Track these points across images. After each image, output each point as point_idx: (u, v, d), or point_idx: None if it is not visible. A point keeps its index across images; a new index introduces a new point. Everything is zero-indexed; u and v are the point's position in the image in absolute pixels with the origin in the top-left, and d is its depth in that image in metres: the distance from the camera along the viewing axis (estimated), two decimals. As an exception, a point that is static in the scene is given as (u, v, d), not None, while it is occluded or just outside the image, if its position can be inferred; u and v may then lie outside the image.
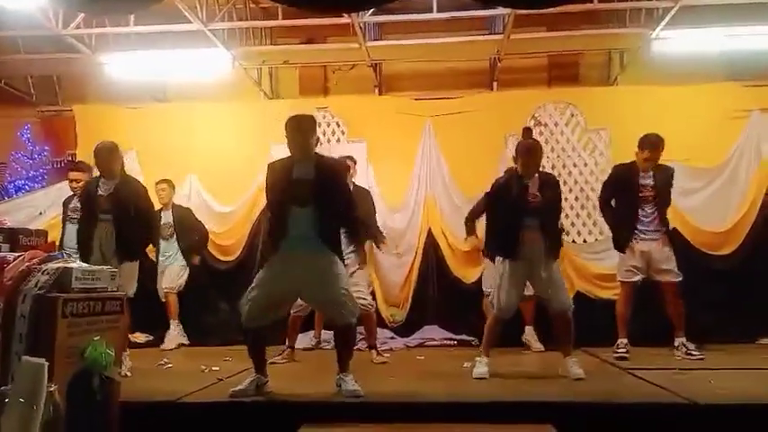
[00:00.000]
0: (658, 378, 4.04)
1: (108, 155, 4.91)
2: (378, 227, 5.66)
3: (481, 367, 4.32)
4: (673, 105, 6.70)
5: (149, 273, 6.01)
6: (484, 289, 6.12)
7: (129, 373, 4.24)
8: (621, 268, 5.35)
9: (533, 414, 3.11)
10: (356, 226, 4.39)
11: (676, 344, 5.09)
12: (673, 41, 6.63)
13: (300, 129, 3.80)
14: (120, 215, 4.78)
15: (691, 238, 6.44)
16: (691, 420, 3.24)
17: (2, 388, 1.19)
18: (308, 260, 3.68)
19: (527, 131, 4.81)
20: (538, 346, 5.90)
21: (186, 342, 6.41)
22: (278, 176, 3.81)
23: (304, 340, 5.93)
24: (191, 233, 6.54)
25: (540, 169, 4.64)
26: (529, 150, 4.46)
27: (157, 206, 6.15)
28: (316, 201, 3.68)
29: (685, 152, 6.57)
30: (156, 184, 6.50)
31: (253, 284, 3.78)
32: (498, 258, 4.48)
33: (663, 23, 6.32)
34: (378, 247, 5.69)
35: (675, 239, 6.37)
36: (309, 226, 3.68)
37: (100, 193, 4.87)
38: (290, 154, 3.85)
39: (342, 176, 4.18)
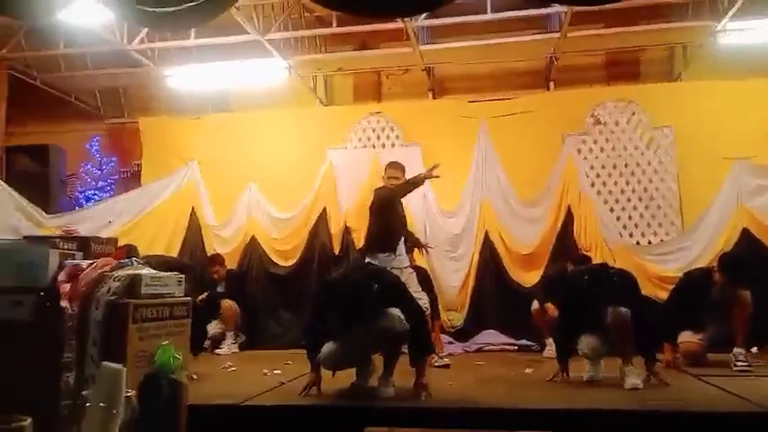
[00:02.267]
0: (730, 385, 3.87)
1: None
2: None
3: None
4: (740, 100, 6.42)
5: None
6: None
7: (194, 376, 4.35)
8: None
9: (601, 423, 3.03)
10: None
11: (734, 352, 4.71)
12: (739, 34, 6.35)
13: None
14: None
15: (762, 236, 6.15)
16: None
17: (83, 392, 1.24)
18: None
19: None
20: None
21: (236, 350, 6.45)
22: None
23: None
24: None
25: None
26: None
27: None
28: None
29: (753, 149, 6.32)
30: (210, 267, 6.70)
31: None
32: None
33: (729, 15, 6.06)
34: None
35: (745, 239, 6.13)
36: None
37: None
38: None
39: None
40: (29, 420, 0.96)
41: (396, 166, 5.39)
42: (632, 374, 4.00)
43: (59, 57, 7.49)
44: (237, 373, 5.13)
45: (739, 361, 4.61)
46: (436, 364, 5.14)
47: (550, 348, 5.50)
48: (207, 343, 6.36)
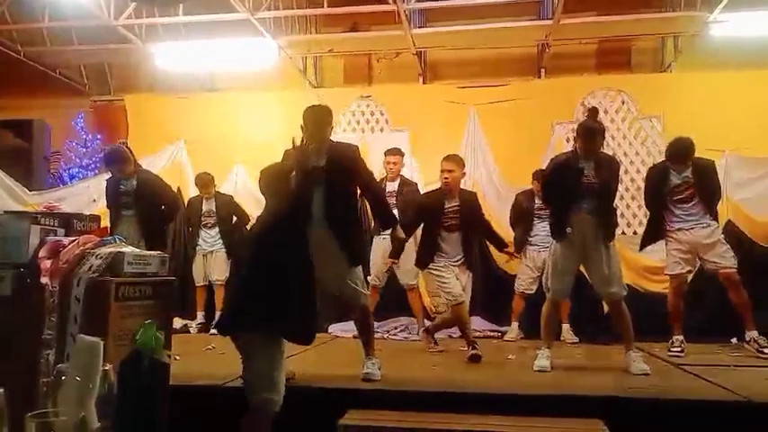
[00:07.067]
0: (711, 374, 3.91)
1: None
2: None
3: (543, 360, 4.18)
4: (730, 92, 6.45)
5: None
6: (516, 287, 6.10)
7: (177, 357, 4.32)
8: (670, 260, 5.13)
9: (581, 408, 3.05)
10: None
11: (747, 338, 4.87)
12: (731, 25, 6.35)
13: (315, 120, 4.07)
14: (143, 209, 5.18)
15: (746, 229, 6.21)
16: (745, 418, 3.13)
17: (59, 365, 1.22)
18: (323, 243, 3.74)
19: (592, 111, 4.54)
20: (573, 338, 5.85)
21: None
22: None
23: (345, 328, 5.98)
24: (230, 220, 6.62)
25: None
26: (588, 133, 4.23)
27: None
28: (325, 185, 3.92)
29: (742, 141, 6.35)
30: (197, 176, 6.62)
31: None
32: (552, 242, 4.40)
33: (721, 6, 6.05)
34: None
35: (730, 231, 6.18)
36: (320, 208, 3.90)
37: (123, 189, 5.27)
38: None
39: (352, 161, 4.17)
40: (0, 390, 0.94)
41: (395, 152, 5.85)
42: (639, 360, 4.07)
43: (44, 30, 7.35)
44: (220, 354, 5.11)
45: (674, 347, 4.80)
46: (430, 350, 5.17)
47: (512, 332, 5.99)
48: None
